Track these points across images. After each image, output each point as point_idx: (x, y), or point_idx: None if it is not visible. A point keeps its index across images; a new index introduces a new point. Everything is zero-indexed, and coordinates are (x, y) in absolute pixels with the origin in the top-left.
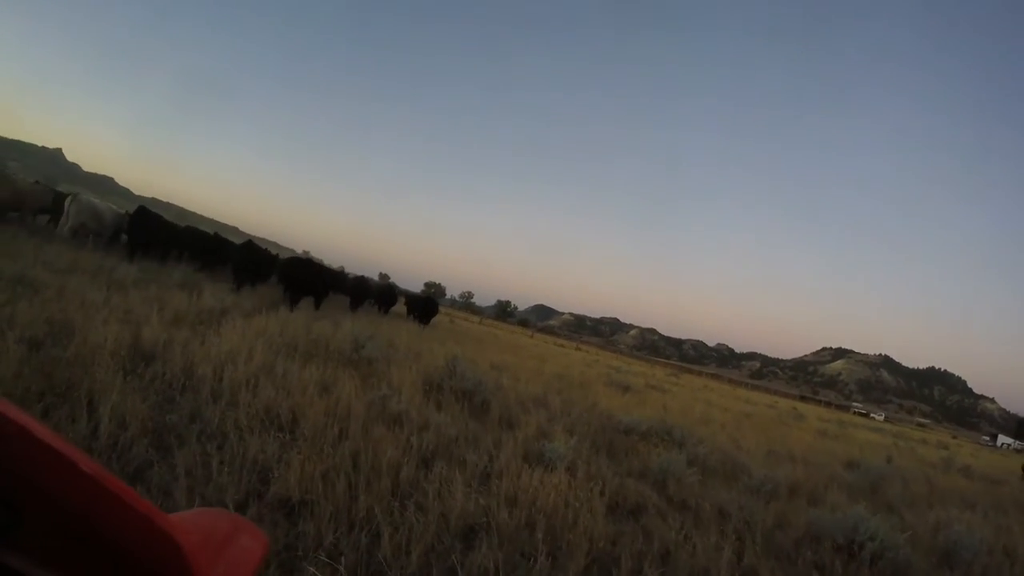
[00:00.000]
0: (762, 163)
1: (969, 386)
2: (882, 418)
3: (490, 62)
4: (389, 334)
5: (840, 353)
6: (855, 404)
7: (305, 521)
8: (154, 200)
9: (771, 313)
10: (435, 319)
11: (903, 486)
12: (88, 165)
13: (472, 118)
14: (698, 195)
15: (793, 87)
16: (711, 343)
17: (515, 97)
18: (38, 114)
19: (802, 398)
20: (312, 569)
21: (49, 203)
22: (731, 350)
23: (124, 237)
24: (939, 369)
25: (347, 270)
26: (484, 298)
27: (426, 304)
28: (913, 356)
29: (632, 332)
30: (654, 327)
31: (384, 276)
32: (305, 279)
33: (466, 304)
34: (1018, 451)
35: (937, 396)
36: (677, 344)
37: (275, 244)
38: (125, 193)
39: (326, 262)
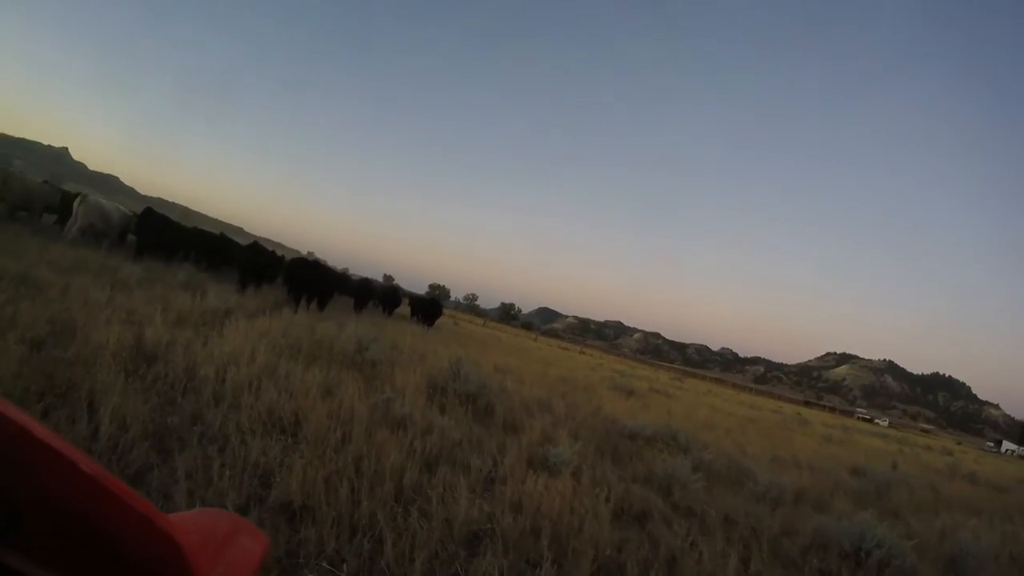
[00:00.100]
0: (766, 167)
1: (973, 392)
2: (886, 424)
3: (490, 63)
4: (393, 336)
5: (844, 358)
6: (859, 409)
7: (307, 527)
8: (159, 200)
9: (775, 318)
10: (439, 321)
11: (908, 492)
12: (94, 164)
13: (477, 121)
14: (702, 199)
15: (794, 87)
16: (715, 347)
17: (518, 99)
18: (44, 113)
19: (806, 403)
20: None
21: (56, 202)
22: (735, 354)
23: (131, 237)
24: (943, 375)
25: (352, 271)
26: (488, 300)
27: (430, 306)
28: (918, 362)
29: (636, 336)
30: (658, 331)
31: (389, 278)
32: (309, 280)
33: (470, 306)
34: (1022, 457)
35: (941, 402)
36: (681, 348)
37: (280, 245)
38: (130, 192)
39: (331, 263)
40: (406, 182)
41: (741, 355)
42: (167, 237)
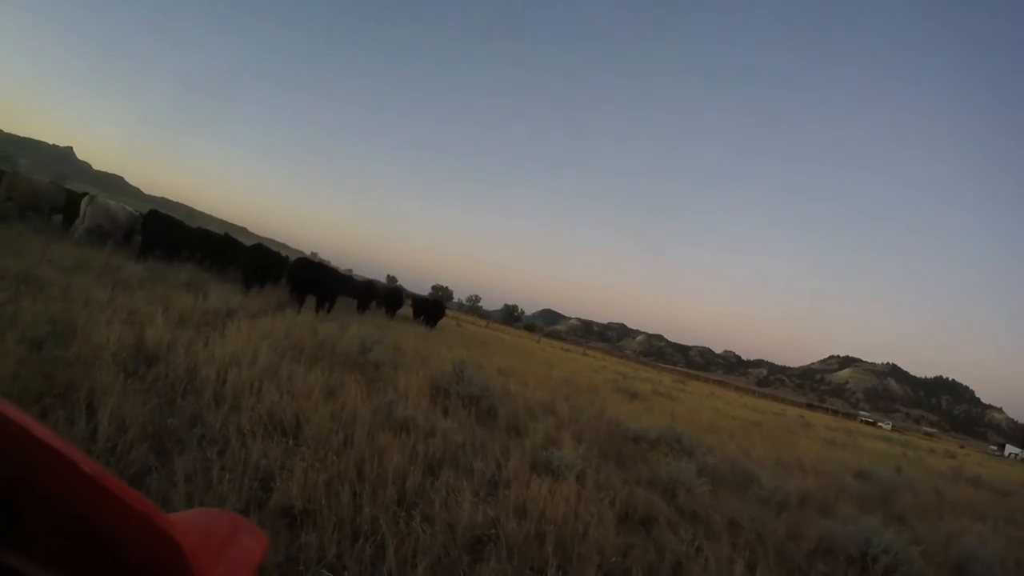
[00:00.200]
0: (769, 170)
1: (977, 396)
2: (889, 427)
3: (490, 64)
4: (396, 337)
5: (847, 361)
6: (862, 413)
7: (307, 532)
8: (163, 200)
9: (778, 321)
10: (442, 322)
11: (913, 496)
12: (98, 164)
13: (479, 122)
14: (705, 201)
15: (796, 87)
16: (718, 350)
17: (519, 100)
18: (49, 112)
19: (809, 406)
20: None
21: (62, 203)
22: (738, 357)
23: (136, 237)
24: (947, 378)
25: (355, 272)
26: (491, 302)
27: (433, 307)
28: (921, 365)
29: (639, 338)
30: (661, 333)
31: (392, 279)
32: (313, 281)
33: (473, 308)
34: None
35: (944, 405)
36: (684, 350)
37: (284, 246)
38: (135, 192)
39: (334, 264)
40: (409, 183)
41: (744, 358)
42: (173, 238)
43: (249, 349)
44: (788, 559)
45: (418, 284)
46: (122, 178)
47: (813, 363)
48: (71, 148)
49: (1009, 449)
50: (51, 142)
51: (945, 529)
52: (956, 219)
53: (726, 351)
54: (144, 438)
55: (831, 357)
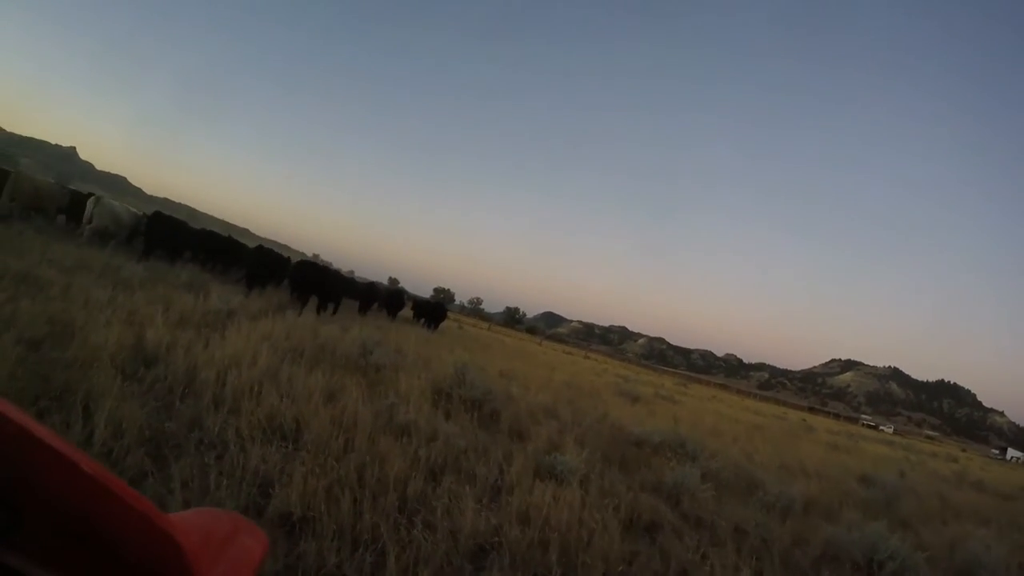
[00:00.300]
0: (771, 173)
1: (979, 399)
2: (891, 431)
3: (490, 63)
4: (397, 340)
5: (849, 365)
6: (864, 416)
7: (307, 539)
8: (166, 200)
9: (780, 324)
10: (443, 324)
11: (917, 501)
12: (101, 164)
13: (481, 124)
14: (707, 205)
15: (797, 88)
16: (719, 353)
17: (521, 102)
18: (52, 112)
19: (811, 409)
20: None
21: (66, 203)
22: (739, 360)
23: (139, 238)
24: (949, 382)
25: (357, 274)
26: (493, 304)
27: (435, 309)
28: (923, 368)
29: (640, 341)
30: (662, 336)
31: (394, 280)
32: (315, 283)
33: (475, 310)
34: None
35: (946, 409)
36: (685, 354)
37: (286, 247)
38: (137, 193)
39: (336, 266)
40: (410, 184)
41: (746, 361)
42: (177, 239)
43: (249, 351)
44: (794, 566)
45: (420, 286)
46: (125, 178)
47: (815, 366)
48: (74, 148)
49: (1011, 453)
50: (54, 142)
51: (949, 534)
52: (958, 222)
53: (728, 354)
54: (141, 442)
55: (833, 360)
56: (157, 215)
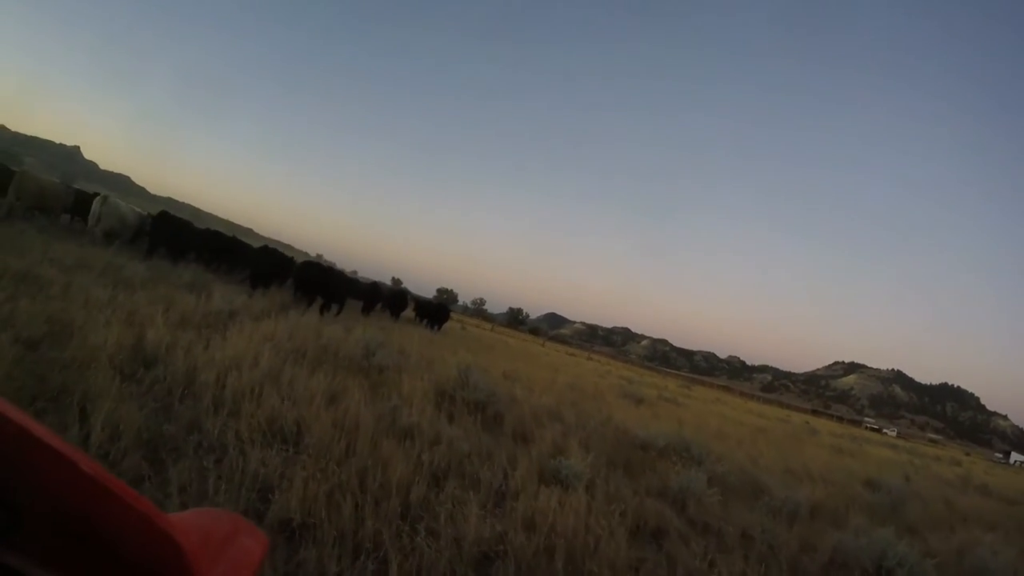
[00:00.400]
0: (774, 175)
1: (982, 403)
2: (895, 434)
3: (490, 62)
4: (400, 340)
5: (852, 367)
6: (867, 419)
7: (307, 547)
8: (169, 200)
9: (783, 326)
10: (446, 325)
11: (923, 506)
12: (105, 163)
13: (483, 126)
14: (709, 206)
15: (798, 89)
16: (722, 355)
17: (523, 103)
18: (56, 111)
19: (814, 412)
20: None
21: (71, 203)
22: (743, 362)
23: (143, 238)
24: (952, 385)
25: (360, 274)
26: (496, 305)
27: (438, 310)
28: (926, 371)
29: (643, 343)
30: (665, 338)
31: (397, 281)
32: (319, 283)
33: (478, 311)
34: None
35: (949, 412)
36: (688, 355)
37: (290, 247)
38: (141, 192)
39: (339, 266)
40: (412, 184)
41: (749, 363)
42: (182, 239)
43: (250, 352)
44: (802, 573)
45: (423, 287)
46: (129, 178)
47: (818, 369)
48: (78, 147)
49: (1014, 456)
50: (58, 141)
51: (957, 540)
52: (961, 223)
53: (730, 356)
54: (139, 445)
55: (836, 363)
56: (163, 215)
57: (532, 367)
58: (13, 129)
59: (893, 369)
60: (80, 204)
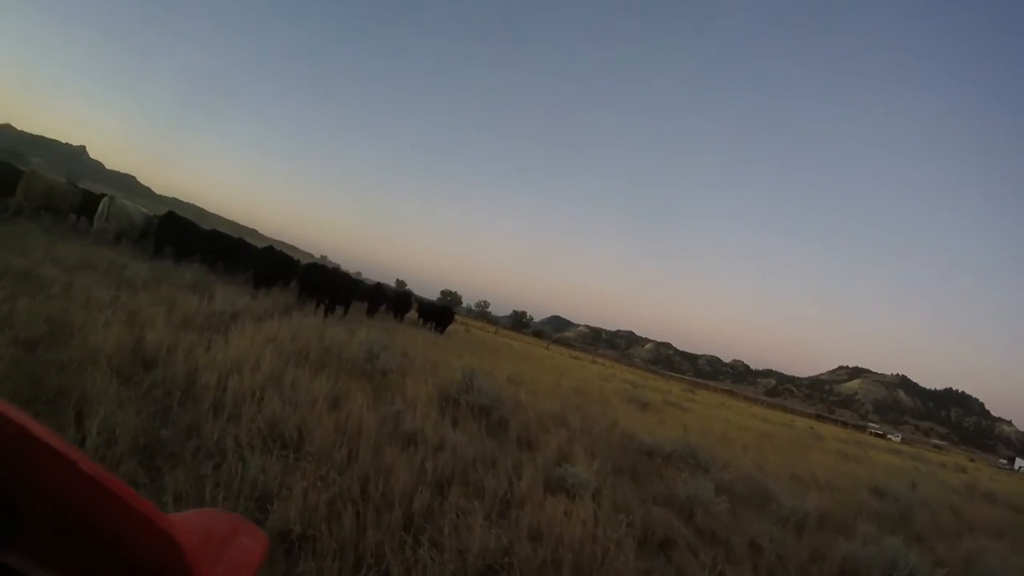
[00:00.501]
0: (780, 180)
1: (986, 408)
2: (899, 439)
3: (490, 65)
4: (404, 343)
5: (856, 372)
6: (871, 424)
7: (306, 559)
8: (174, 200)
9: (787, 330)
10: (451, 328)
11: (930, 514)
12: (111, 163)
13: (486, 126)
14: (713, 210)
15: (800, 91)
16: (726, 359)
17: (525, 103)
18: (62, 110)
19: (818, 417)
20: None
21: (79, 203)
22: (746, 366)
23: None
24: (956, 390)
25: (364, 276)
26: (500, 308)
27: (442, 313)
28: (931, 377)
29: (647, 346)
30: (669, 341)
31: (401, 283)
32: (323, 285)
33: (482, 313)
34: None
35: (954, 417)
36: (692, 359)
37: (294, 248)
38: (146, 193)
39: (344, 267)
40: (417, 186)
41: (753, 367)
42: (188, 239)
43: (252, 354)
44: None
45: (427, 288)
46: (134, 178)
47: (822, 373)
48: (84, 147)
49: (1019, 463)
50: (64, 141)
51: (964, 549)
52: (966, 228)
53: (734, 360)
54: (135, 451)
55: (840, 368)
56: (170, 215)
57: (536, 370)
58: (19, 128)
59: (897, 374)
60: (88, 204)
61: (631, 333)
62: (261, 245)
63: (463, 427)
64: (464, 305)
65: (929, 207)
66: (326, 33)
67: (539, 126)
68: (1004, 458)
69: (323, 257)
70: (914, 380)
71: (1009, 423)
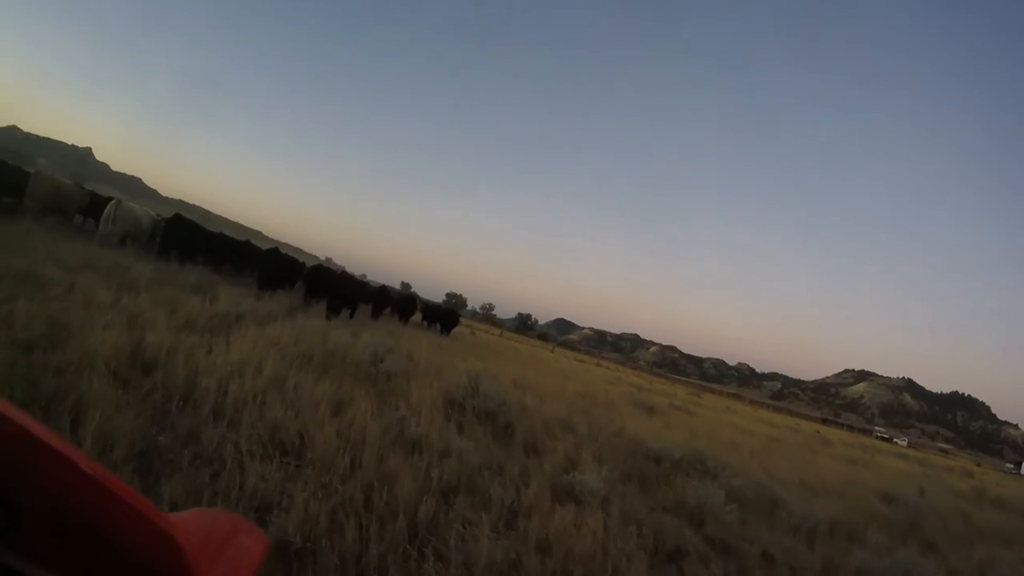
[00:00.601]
0: (783, 183)
1: (993, 412)
2: (905, 443)
3: (491, 67)
4: (409, 346)
5: (862, 375)
6: (878, 428)
7: (306, 574)
8: (180, 202)
9: (792, 333)
10: (456, 330)
11: (940, 521)
12: (117, 165)
13: (488, 127)
14: (717, 212)
15: (801, 91)
16: (732, 362)
17: (526, 106)
18: (68, 112)
19: (824, 421)
20: None
21: (86, 204)
22: (752, 369)
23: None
24: (963, 394)
25: (369, 278)
26: (505, 310)
27: (447, 316)
28: (936, 380)
29: (652, 349)
30: (674, 344)
31: (406, 285)
32: (329, 287)
33: (487, 316)
34: None
35: (960, 421)
36: (697, 362)
37: (299, 250)
38: (152, 194)
39: (349, 270)
40: (421, 187)
41: (758, 370)
42: (194, 241)
43: (255, 357)
44: None
45: (432, 291)
46: (140, 180)
47: (827, 377)
48: (90, 149)
49: None
50: (70, 142)
51: (977, 557)
52: (971, 230)
53: (740, 363)
54: (131, 457)
55: (846, 371)
56: (177, 218)
57: (542, 374)
58: (25, 130)
59: (903, 377)
60: (95, 206)
61: (636, 336)
62: (266, 247)
63: (469, 433)
64: (469, 308)
65: (933, 209)
66: (326, 33)
67: (539, 126)
68: (1010, 462)
69: (329, 259)
70: (920, 383)
71: (1015, 427)
